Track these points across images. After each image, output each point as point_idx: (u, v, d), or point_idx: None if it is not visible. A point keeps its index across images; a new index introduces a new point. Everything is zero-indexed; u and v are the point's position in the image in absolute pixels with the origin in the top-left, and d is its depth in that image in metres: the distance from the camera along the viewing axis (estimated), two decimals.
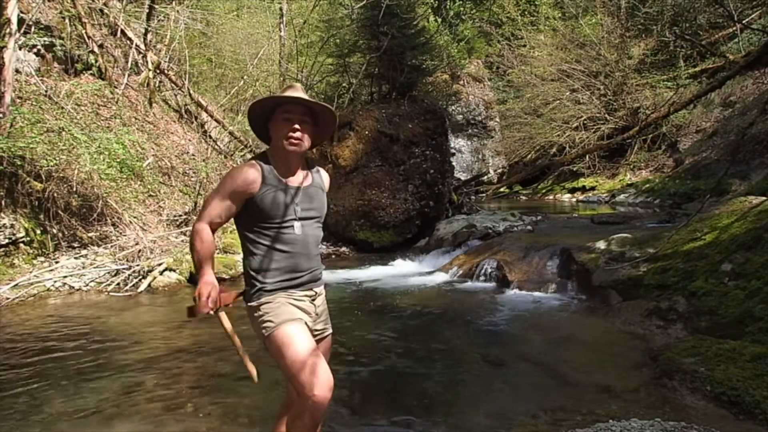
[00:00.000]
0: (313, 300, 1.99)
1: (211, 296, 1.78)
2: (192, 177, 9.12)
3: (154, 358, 3.77)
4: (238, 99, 12.32)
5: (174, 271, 6.33)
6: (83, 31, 8.80)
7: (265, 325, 1.85)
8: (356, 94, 10.18)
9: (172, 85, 11.23)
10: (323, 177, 2.10)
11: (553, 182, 17.21)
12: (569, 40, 16.74)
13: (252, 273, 1.92)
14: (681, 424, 2.52)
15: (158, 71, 10.65)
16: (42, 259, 6.17)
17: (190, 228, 7.69)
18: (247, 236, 1.92)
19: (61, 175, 6.61)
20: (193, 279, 6.27)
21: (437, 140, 9.14)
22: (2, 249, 5.90)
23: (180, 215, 7.93)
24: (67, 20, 8.66)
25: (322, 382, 1.73)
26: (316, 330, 1.99)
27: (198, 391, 3.17)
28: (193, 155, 9.67)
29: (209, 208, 1.90)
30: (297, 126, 1.89)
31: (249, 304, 1.91)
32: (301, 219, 1.93)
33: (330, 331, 2.10)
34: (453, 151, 12.42)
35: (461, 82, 18.31)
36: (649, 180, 13.58)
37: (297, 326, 1.84)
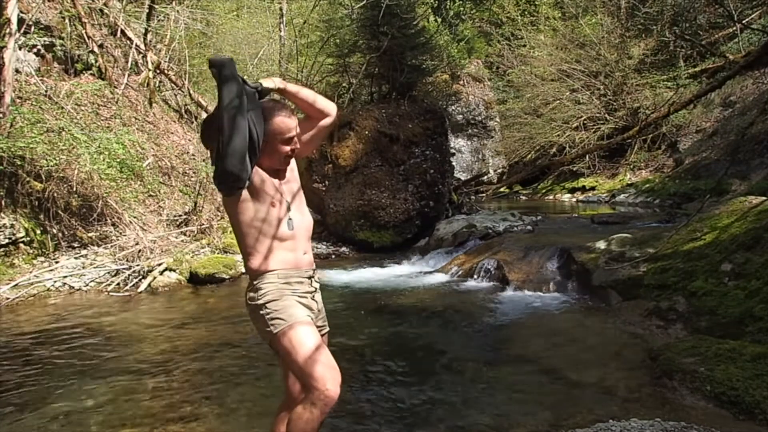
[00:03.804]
0: (314, 296, 2.01)
1: None
2: (192, 177, 9.12)
3: (154, 358, 3.77)
4: None
5: (174, 271, 6.34)
6: (83, 31, 8.80)
7: (272, 323, 1.85)
8: (356, 94, 10.17)
9: (172, 85, 11.24)
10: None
11: (553, 182, 17.19)
12: (569, 40, 16.72)
13: (256, 270, 1.93)
14: (681, 424, 2.52)
15: (158, 71, 10.65)
16: (42, 259, 6.18)
17: (191, 228, 7.68)
18: (246, 234, 1.92)
19: (61, 175, 6.61)
20: (193, 279, 6.29)
21: (437, 140, 9.14)
22: (2, 249, 5.90)
23: (180, 215, 7.94)
24: (67, 20, 8.66)
25: (334, 377, 1.78)
26: (317, 327, 2.01)
27: (198, 391, 3.17)
28: (193, 155, 9.67)
29: None
30: None
31: (252, 303, 1.92)
32: (291, 212, 1.97)
33: (327, 329, 2.12)
34: (453, 151, 12.41)
35: (461, 82, 18.30)
36: (649, 180, 13.57)
37: (306, 323, 1.87)
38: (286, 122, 1.93)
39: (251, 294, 1.93)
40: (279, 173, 1.98)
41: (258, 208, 1.89)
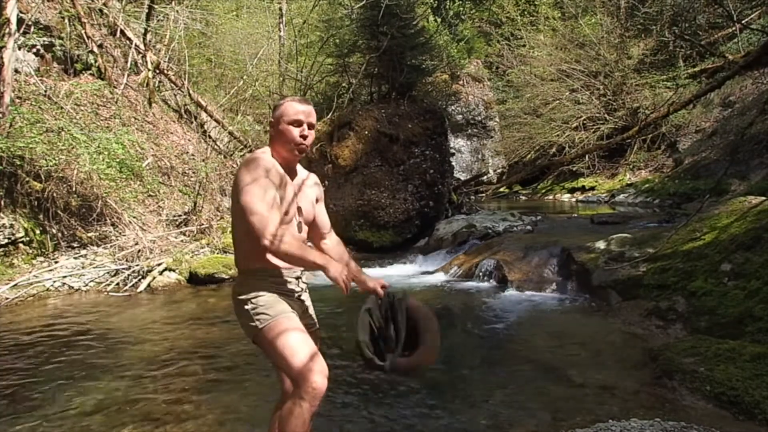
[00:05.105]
0: (300, 296, 2.04)
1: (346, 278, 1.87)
2: (191, 177, 9.11)
3: (154, 358, 3.77)
4: (237, 99, 12.31)
5: (173, 271, 6.33)
6: (83, 31, 8.79)
7: (258, 317, 1.87)
8: (356, 94, 10.17)
9: (172, 85, 11.22)
10: (315, 180, 2.19)
11: (552, 182, 17.20)
12: (569, 40, 16.73)
13: (247, 266, 1.95)
14: (681, 424, 2.52)
15: (158, 71, 10.64)
16: (41, 259, 6.17)
17: (191, 228, 7.64)
18: (245, 229, 1.91)
19: (60, 175, 6.60)
20: (193, 279, 6.28)
21: (437, 140, 9.14)
22: (2, 249, 5.90)
23: (179, 215, 7.93)
24: (66, 20, 8.65)
25: (321, 370, 1.78)
26: (305, 325, 2.02)
27: (198, 391, 3.17)
28: (192, 155, 9.66)
29: (265, 212, 1.79)
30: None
31: (239, 297, 1.93)
32: (301, 217, 2.00)
33: (317, 326, 2.15)
34: (453, 151, 12.42)
35: (461, 82, 18.33)
36: (649, 180, 13.57)
37: (292, 319, 1.89)
38: (293, 105, 1.95)
39: (237, 288, 1.95)
40: (291, 171, 2.00)
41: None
